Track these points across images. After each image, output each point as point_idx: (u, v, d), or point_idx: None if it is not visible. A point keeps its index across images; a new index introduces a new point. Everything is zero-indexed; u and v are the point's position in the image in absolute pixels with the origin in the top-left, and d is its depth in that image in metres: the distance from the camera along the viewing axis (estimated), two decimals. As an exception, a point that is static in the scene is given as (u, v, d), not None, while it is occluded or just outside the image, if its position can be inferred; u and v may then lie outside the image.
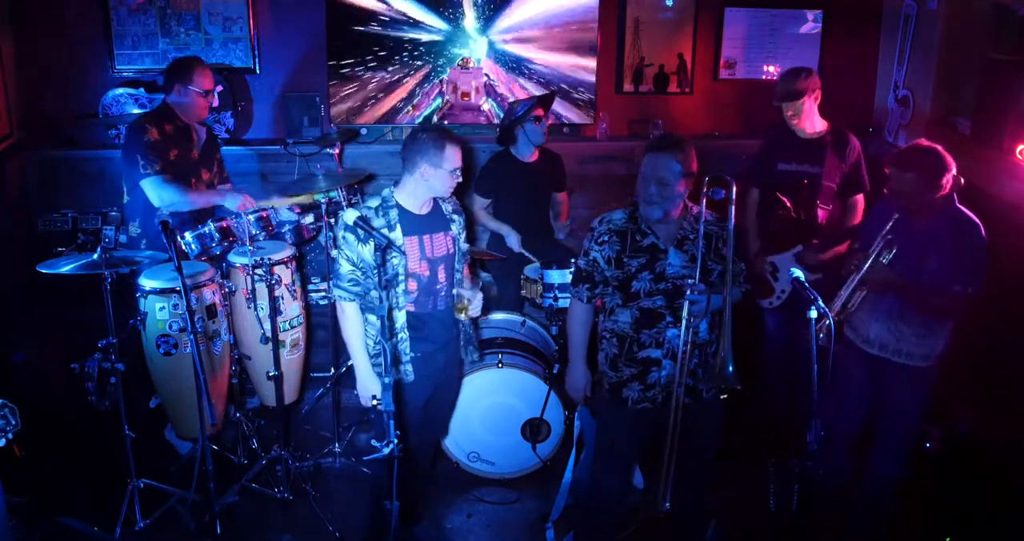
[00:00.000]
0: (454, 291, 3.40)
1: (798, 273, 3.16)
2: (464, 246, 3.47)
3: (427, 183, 3.26)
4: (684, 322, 3.09)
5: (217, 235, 4.15)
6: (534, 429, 4.18)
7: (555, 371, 4.20)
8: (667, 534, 3.61)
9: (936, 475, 4.20)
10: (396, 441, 2.86)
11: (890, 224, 3.39)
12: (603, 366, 3.32)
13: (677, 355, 3.17)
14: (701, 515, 3.56)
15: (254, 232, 4.16)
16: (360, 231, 3.14)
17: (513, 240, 4.77)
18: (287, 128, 5.43)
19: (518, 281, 4.64)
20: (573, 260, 4.29)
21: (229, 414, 4.38)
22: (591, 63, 5.56)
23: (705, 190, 3.09)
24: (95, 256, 3.53)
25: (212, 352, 4.07)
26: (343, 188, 4.45)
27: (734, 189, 3.08)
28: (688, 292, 3.06)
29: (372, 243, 3.10)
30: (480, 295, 3.40)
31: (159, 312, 3.94)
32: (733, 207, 3.09)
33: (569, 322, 3.41)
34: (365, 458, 4.19)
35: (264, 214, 4.25)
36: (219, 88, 5.26)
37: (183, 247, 4.10)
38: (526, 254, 4.75)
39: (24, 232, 5.14)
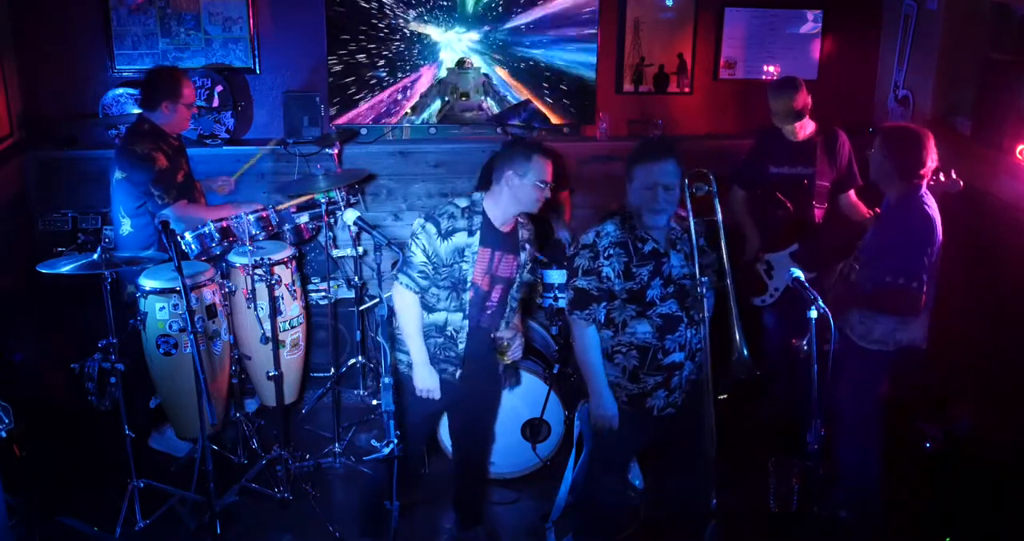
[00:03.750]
0: (494, 334, 3.36)
1: (798, 273, 3.16)
2: (527, 277, 3.44)
3: (512, 193, 3.23)
4: (707, 320, 3.09)
5: (217, 235, 4.15)
6: (534, 429, 4.18)
7: (555, 371, 4.20)
8: (667, 534, 3.61)
9: (936, 475, 4.20)
10: (396, 441, 2.86)
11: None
12: (620, 379, 3.25)
13: (695, 355, 3.19)
14: (701, 516, 3.55)
15: (254, 232, 4.16)
16: (442, 224, 3.18)
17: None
18: (287, 128, 5.43)
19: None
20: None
21: (229, 414, 4.38)
22: (591, 63, 5.56)
23: (688, 187, 3.10)
24: (95, 256, 3.53)
25: (212, 352, 4.07)
26: (343, 188, 4.44)
27: (714, 182, 3.11)
28: (703, 290, 3.06)
29: (452, 240, 3.18)
30: (521, 339, 3.37)
31: (159, 312, 3.94)
32: (717, 199, 3.12)
33: (583, 350, 3.23)
34: (365, 458, 4.21)
35: (264, 214, 4.25)
36: (219, 88, 5.29)
37: (183, 247, 4.10)
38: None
39: (24, 232, 5.14)
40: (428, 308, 3.31)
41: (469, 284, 3.25)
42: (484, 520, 3.87)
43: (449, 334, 3.32)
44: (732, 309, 3.06)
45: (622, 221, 3.18)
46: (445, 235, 3.20)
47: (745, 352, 3.05)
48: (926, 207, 3.42)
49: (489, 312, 3.37)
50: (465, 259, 3.22)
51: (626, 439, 3.35)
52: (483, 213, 3.27)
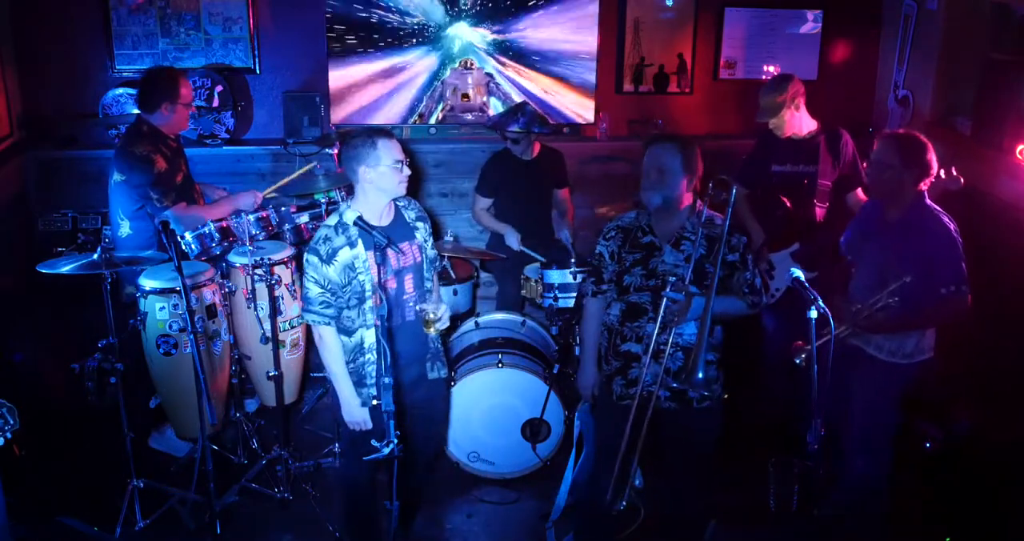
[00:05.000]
0: (418, 307, 3.29)
1: (798, 273, 3.15)
2: (432, 253, 3.38)
3: (374, 186, 3.17)
4: (660, 319, 3.09)
5: (217, 235, 4.14)
6: (534, 429, 4.18)
7: (555, 371, 4.20)
8: (667, 534, 3.61)
9: (936, 475, 4.20)
10: (396, 441, 2.86)
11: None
12: (601, 360, 3.37)
13: (659, 355, 3.16)
14: (700, 516, 3.55)
15: (254, 232, 4.16)
16: (321, 251, 3.13)
17: (512, 239, 4.76)
18: (287, 128, 5.43)
19: (518, 281, 4.64)
20: (573, 259, 4.31)
21: (229, 414, 4.38)
22: (591, 63, 5.57)
23: (710, 192, 3.10)
24: (95, 256, 3.53)
25: (212, 352, 4.07)
26: (342, 188, 4.44)
27: (733, 193, 3.09)
28: (668, 289, 3.06)
29: (338, 261, 3.12)
30: (445, 307, 3.28)
31: (159, 312, 3.94)
32: (730, 209, 3.09)
33: (581, 320, 3.47)
34: (365, 458, 4.21)
35: (264, 214, 4.25)
36: (219, 88, 5.29)
37: (183, 247, 4.10)
38: (527, 251, 4.74)
39: (24, 232, 5.14)
40: (347, 332, 3.24)
41: (370, 292, 3.17)
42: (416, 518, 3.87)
43: (375, 350, 3.23)
44: (705, 323, 3.00)
45: (639, 212, 3.26)
46: (327, 260, 3.14)
47: (699, 374, 3.01)
48: (937, 209, 3.40)
49: (411, 304, 3.31)
50: (359, 271, 3.17)
51: (608, 425, 3.37)
52: (356, 220, 3.20)
